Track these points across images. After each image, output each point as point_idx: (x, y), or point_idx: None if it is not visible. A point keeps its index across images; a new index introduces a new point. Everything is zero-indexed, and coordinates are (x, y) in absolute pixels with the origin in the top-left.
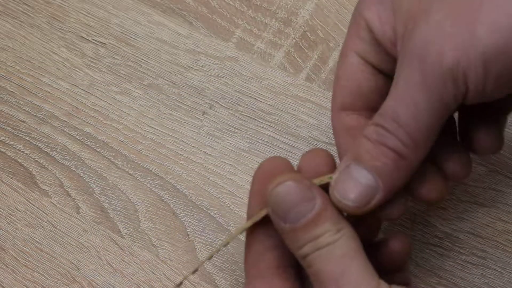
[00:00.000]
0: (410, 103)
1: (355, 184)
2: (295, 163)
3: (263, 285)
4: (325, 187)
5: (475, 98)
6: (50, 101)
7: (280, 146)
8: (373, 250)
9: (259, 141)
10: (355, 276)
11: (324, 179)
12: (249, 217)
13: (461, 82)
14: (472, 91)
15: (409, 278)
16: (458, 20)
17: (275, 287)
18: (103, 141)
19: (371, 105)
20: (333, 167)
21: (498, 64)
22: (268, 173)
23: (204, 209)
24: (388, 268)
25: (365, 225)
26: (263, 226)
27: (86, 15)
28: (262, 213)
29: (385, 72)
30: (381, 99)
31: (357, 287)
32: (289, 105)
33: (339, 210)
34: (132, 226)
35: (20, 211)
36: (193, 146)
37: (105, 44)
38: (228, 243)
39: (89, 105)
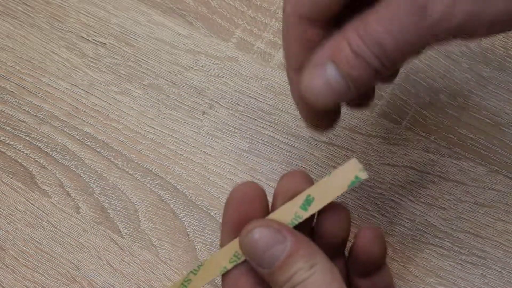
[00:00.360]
0: (398, 37)
1: (326, 84)
2: (295, 163)
3: None
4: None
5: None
6: (50, 101)
7: (280, 146)
8: (350, 252)
9: (259, 141)
10: None
11: (292, 212)
12: (221, 245)
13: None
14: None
15: (391, 284)
16: None
17: None
18: (103, 141)
19: (328, 13)
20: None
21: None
22: (240, 200)
23: (204, 209)
24: (366, 265)
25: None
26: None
27: (86, 15)
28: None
29: None
30: (337, 7)
31: None
32: (289, 105)
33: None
34: (132, 226)
35: (20, 211)
36: (193, 146)
37: (105, 44)
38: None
39: (89, 105)
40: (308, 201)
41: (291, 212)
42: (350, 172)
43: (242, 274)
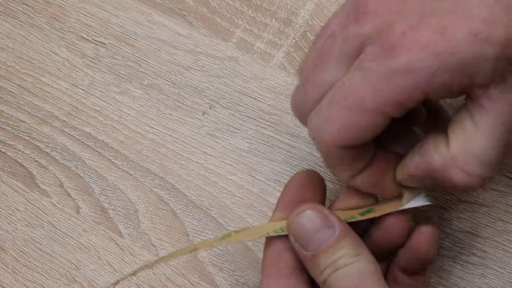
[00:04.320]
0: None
1: None
2: (295, 163)
3: (280, 283)
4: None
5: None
6: (50, 101)
7: (280, 146)
8: (404, 247)
9: (259, 141)
10: None
11: (349, 214)
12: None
13: None
14: None
15: (429, 284)
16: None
17: (291, 287)
18: (103, 141)
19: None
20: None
21: None
22: (300, 183)
23: (204, 209)
24: (417, 263)
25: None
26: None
27: (86, 15)
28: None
29: None
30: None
31: None
32: (289, 105)
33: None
34: (132, 226)
35: (20, 211)
36: (193, 146)
37: (105, 44)
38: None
39: (89, 105)
40: (368, 211)
41: (348, 214)
42: (416, 202)
43: (286, 249)
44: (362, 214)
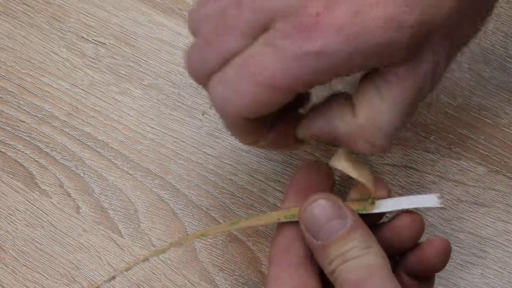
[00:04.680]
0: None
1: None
2: (295, 163)
3: (289, 273)
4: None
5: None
6: (50, 101)
7: None
8: (415, 252)
9: None
10: (379, 285)
11: (362, 206)
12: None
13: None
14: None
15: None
16: None
17: (300, 277)
18: (103, 141)
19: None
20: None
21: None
22: (311, 171)
23: (204, 209)
24: (424, 271)
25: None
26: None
27: (86, 15)
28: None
29: None
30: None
31: None
32: None
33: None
34: (132, 226)
35: (20, 211)
36: (193, 146)
37: (105, 44)
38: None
39: (89, 105)
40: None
41: (359, 205)
42: (429, 200)
43: (296, 239)
44: (372, 203)
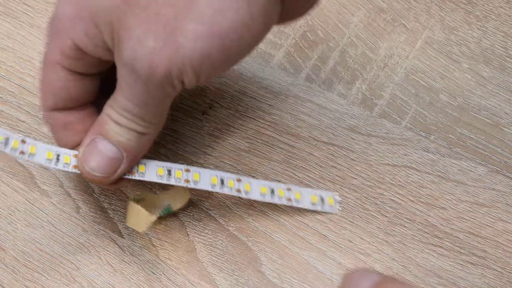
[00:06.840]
0: (138, 102)
1: (102, 157)
2: (295, 163)
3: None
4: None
5: (192, 86)
6: None
7: (280, 146)
8: None
9: (259, 141)
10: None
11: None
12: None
13: (177, 83)
14: (189, 84)
15: None
16: (159, 34)
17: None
18: None
19: (83, 102)
20: None
21: (204, 66)
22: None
23: (204, 209)
24: None
25: None
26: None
27: None
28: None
29: (93, 73)
30: (91, 96)
31: None
32: (289, 105)
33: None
34: None
35: (20, 211)
36: (193, 146)
37: None
38: None
39: None
40: (167, 210)
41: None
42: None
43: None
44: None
